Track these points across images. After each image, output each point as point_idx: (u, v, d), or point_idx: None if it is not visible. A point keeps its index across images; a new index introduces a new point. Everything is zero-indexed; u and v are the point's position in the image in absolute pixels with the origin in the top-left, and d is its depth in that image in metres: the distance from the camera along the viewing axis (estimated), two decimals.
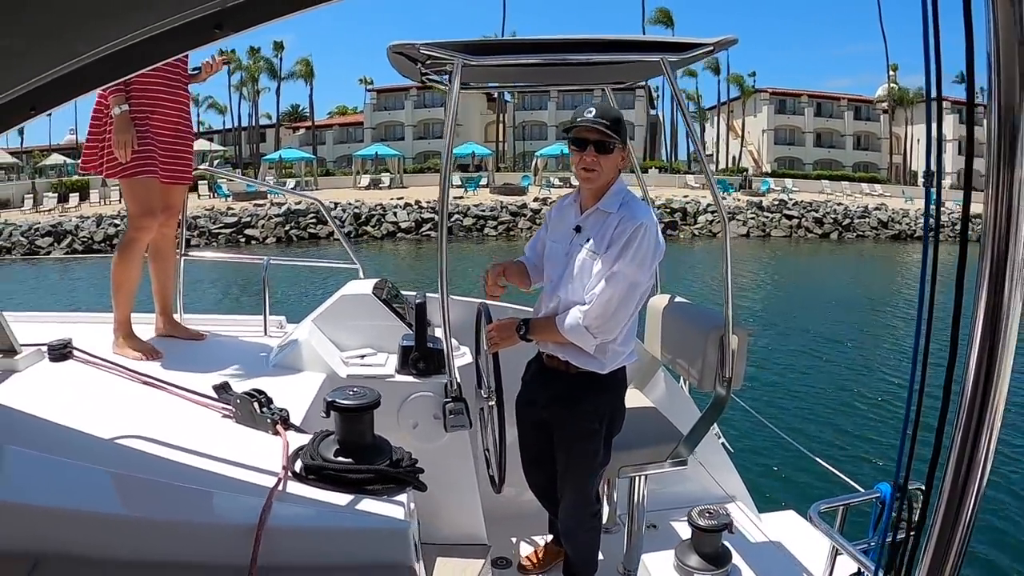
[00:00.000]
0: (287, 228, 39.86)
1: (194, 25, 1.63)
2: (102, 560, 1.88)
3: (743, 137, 78.63)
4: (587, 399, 3.46)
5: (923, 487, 1.45)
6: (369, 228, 41.59)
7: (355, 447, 2.14)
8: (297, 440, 2.36)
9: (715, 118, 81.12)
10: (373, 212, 42.85)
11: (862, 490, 2.93)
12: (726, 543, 2.84)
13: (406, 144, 73.07)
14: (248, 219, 40.07)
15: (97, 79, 1.87)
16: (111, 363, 3.35)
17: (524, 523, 4.58)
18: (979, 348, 1.23)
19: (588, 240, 3.39)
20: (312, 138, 77.12)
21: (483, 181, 53.46)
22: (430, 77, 4.03)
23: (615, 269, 3.24)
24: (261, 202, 43.06)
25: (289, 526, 1.92)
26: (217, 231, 38.50)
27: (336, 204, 42.05)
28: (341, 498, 2.03)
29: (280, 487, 2.02)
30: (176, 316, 4.51)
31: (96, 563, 1.88)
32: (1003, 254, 1.21)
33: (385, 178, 57.52)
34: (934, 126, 1.41)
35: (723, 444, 4.99)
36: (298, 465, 2.15)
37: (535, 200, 45.89)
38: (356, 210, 42.35)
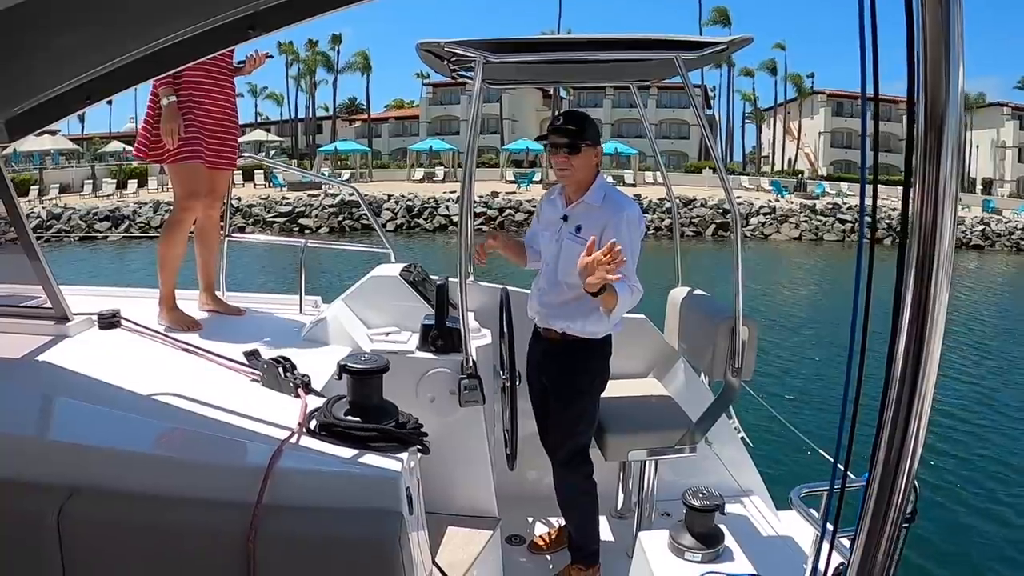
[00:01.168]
0: (340, 219, 40.36)
1: (229, 27, 1.79)
2: (129, 494, 2.09)
3: (799, 139, 77.80)
4: (579, 363, 3.87)
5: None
6: (421, 221, 41.93)
7: (363, 408, 2.32)
8: (316, 403, 2.52)
9: (772, 119, 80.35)
10: (426, 205, 43.19)
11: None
12: (721, 525, 2.96)
13: (461, 138, 72.78)
14: (302, 209, 40.66)
15: (144, 74, 2.05)
16: (154, 331, 3.60)
17: (541, 505, 4.74)
18: (906, 335, 1.31)
19: (577, 228, 3.81)
20: (368, 131, 77.64)
21: (536, 177, 53.49)
22: (460, 73, 4.21)
23: (631, 259, 3.57)
24: (316, 192, 43.52)
25: (294, 471, 2.10)
26: (272, 220, 39.15)
27: (389, 196, 42.44)
28: (346, 452, 2.20)
29: (293, 440, 2.21)
30: (218, 293, 4.75)
31: (123, 496, 2.08)
32: (930, 245, 1.28)
33: (439, 171, 57.65)
34: (869, 124, 1.50)
35: (743, 438, 5.09)
36: (312, 423, 2.33)
37: None
38: (409, 203, 42.69)
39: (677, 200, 5.47)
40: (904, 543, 2.23)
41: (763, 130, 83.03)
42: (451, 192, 45.36)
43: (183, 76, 4.17)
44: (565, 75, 4.89)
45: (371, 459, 2.20)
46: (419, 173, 56.70)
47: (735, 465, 4.93)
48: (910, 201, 1.31)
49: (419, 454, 2.39)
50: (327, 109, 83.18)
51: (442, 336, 3.81)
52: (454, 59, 3.90)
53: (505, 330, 4.07)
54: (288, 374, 2.91)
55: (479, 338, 4.02)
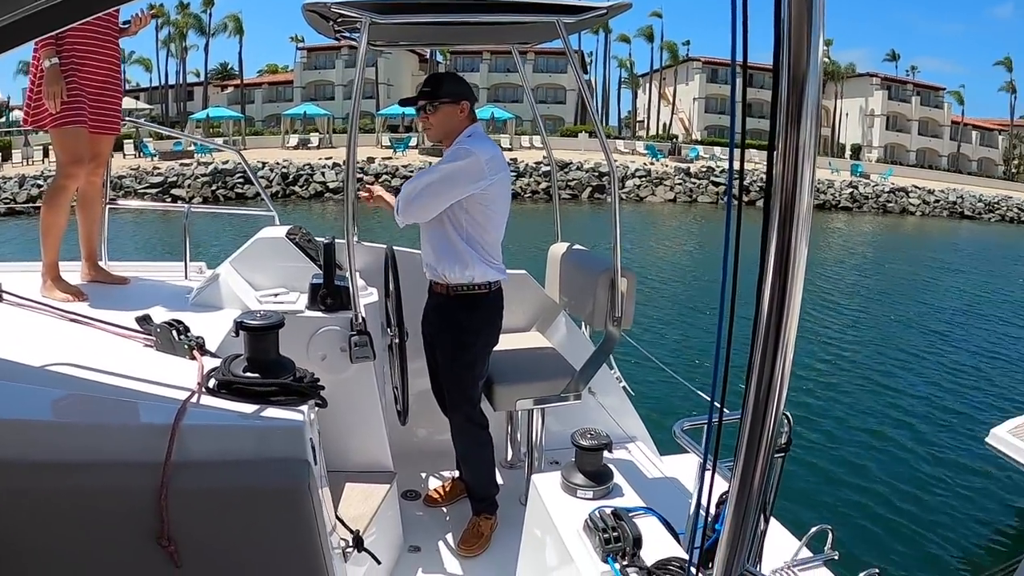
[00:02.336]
0: (214, 188, 39.23)
1: None
2: (32, 463, 2.03)
3: (674, 104, 79.33)
4: (463, 315, 3.99)
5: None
6: (297, 188, 41.23)
7: (261, 364, 2.35)
8: (212, 363, 2.54)
9: (647, 85, 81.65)
10: (301, 172, 42.46)
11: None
12: (610, 465, 3.09)
13: (336, 104, 71.90)
14: (174, 179, 39.38)
15: (27, 33, 1.86)
16: (40, 303, 3.48)
17: (434, 460, 4.89)
18: (771, 285, 1.39)
19: None
20: (241, 97, 75.74)
21: (413, 142, 53.11)
22: (344, 34, 4.21)
23: (426, 174, 3.92)
24: (188, 161, 42.20)
25: (200, 427, 2.11)
26: (143, 191, 37.77)
27: (264, 164, 41.52)
28: (248, 408, 2.22)
29: (194, 399, 2.21)
30: (101, 263, 4.65)
31: (27, 465, 2.02)
32: (791, 203, 1.36)
33: (314, 138, 56.59)
34: (738, 91, 1.60)
35: (624, 387, 5.29)
36: (211, 383, 2.34)
37: None
38: (284, 170, 41.87)
39: (554, 161, 5.60)
40: (781, 471, 2.42)
41: (639, 95, 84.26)
42: (326, 159, 44.83)
43: (65, 37, 4.03)
44: (449, 37, 4.93)
45: (273, 412, 2.23)
46: (293, 140, 55.42)
47: (618, 413, 5.11)
48: (774, 163, 1.38)
49: (316, 408, 2.43)
50: (198, 75, 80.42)
51: (331, 295, 3.88)
52: (340, 20, 3.89)
53: (391, 287, 4.14)
54: (182, 336, 2.87)
55: (366, 296, 4.07)
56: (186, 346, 2.81)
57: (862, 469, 9.56)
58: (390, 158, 46.56)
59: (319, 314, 3.86)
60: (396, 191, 4.18)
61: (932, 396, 12.68)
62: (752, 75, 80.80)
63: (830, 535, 2.85)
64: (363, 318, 3.79)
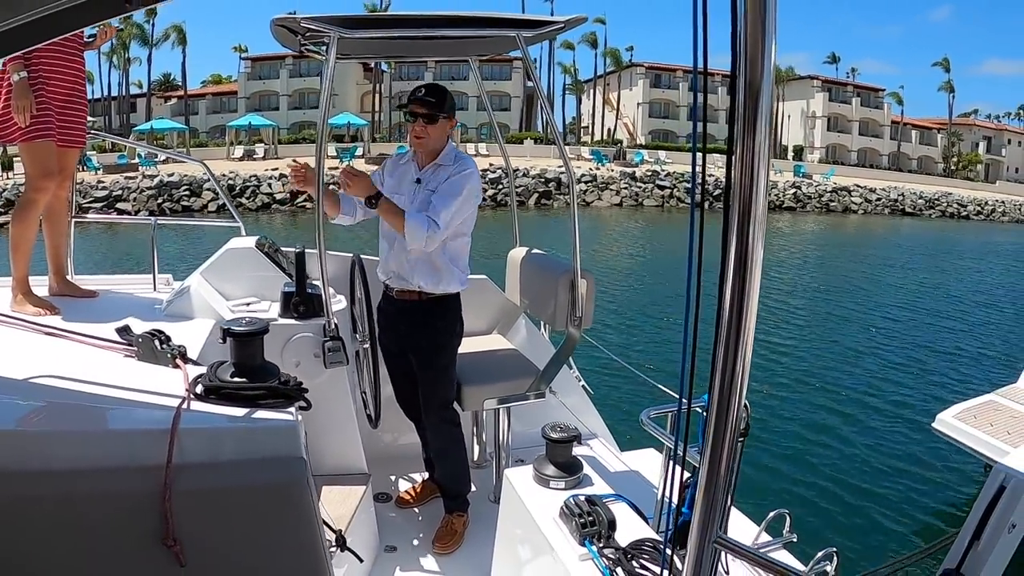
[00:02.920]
0: (160, 201, 38.64)
1: None
2: (31, 472, 2.05)
3: (618, 110, 79.86)
4: (436, 320, 4.12)
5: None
6: (243, 200, 40.69)
7: (248, 369, 2.43)
8: (195, 371, 2.59)
9: (591, 91, 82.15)
10: (248, 184, 42.02)
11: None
12: (579, 456, 3.24)
13: (281, 114, 71.65)
14: (119, 192, 38.78)
15: (8, 48, 1.96)
16: (14, 318, 3.48)
17: (403, 463, 5.01)
18: (731, 283, 1.47)
19: (428, 185, 4.05)
20: (185, 108, 74.48)
21: (358, 151, 52.92)
22: (309, 48, 4.32)
23: (454, 197, 3.94)
24: (132, 175, 41.50)
25: (196, 430, 2.17)
26: (87, 205, 37.10)
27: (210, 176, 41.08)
28: (238, 411, 2.30)
29: (185, 405, 2.26)
30: (68, 277, 4.65)
31: (26, 475, 2.04)
32: (748, 206, 1.43)
33: (259, 149, 56.13)
34: (700, 97, 1.69)
35: (583, 386, 5.45)
36: (198, 388, 2.40)
37: None
38: (230, 182, 41.36)
39: (511, 169, 5.76)
40: (741, 454, 2.58)
41: (583, 101, 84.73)
42: (272, 170, 44.32)
43: (32, 51, 4.01)
44: (412, 50, 5.04)
45: (264, 414, 2.31)
46: (239, 151, 54.90)
47: (579, 411, 5.24)
48: (733, 168, 1.45)
49: (302, 410, 2.50)
50: (140, 86, 79.43)
51: (304, 302, 3.98)
52: (307, 34, 4.00)
53: (359, 294, 4.25)
54: (164, 346, 2.93)
55: (336, 303, 4.19)
56: (169, 355, 2.87)
57: (816, 456, 9.93)
58: (336, 167, 46.15)
59: (292, 321, 3.97)
60: (334, 192, 4.41)
61: (879, 386, 13.14)
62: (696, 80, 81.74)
63: (788, 519, 3.02)
64: (336, 324, 3.90)
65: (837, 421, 11.22)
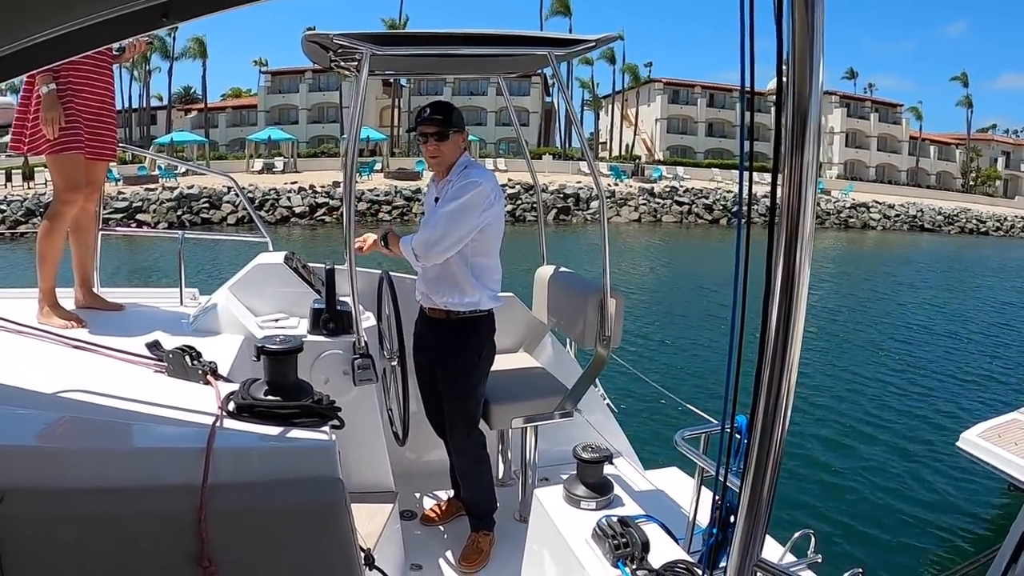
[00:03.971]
0: (179, 213, 38.83)
1: (142, 13, 1.69)
2: (67, 489, 2.03)
3: (636, 125, 79.89)
4: (465, 338, 4.11)
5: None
6: (263, 213, 40.77)
7: (282, 387, 2.42)
8: (227, 388, 2.60)
9: (609, 106, 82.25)
10: (267, 197, 42.18)
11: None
12: (609, 476, 3.24)
13: (300, 128, 71.87)
14: (139, 204, 38.98)
15: (44, 60, 1.92)
16: (39, 330, 3.49)
17: (428, 481, 5.00)
18: (778, 304, 1.46)
19: (440, 202, 4.06)
20: (204, 121, 74.90)
21: (377, 166, 53.04)
22: (339, 64, 4.34)
23: (442, 210, 3.92)
24: (152, 187, 41.69)
25: (231, 449, 2.16)
26: (107, 216, 37.34)
27: (229, 189, 41.20)
28: (272, 430, 2.29)
29: (219, 424, 2.25)
30: (94, 289, 4.64)
31: (62, 492, 2.03)
32: (795, 226, 1.42)
33: (279, 162, 56.20)
34: (747, 116, 1.62)
35: (608, 404, 5.44)
36: (231, 406, 2.39)
37: (429, 184, 45.58)
38: (250, 195, 41.52)
39: (539, 186, 5.76)
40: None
41: (601, 117, 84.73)
42: (291, 183, 44.65)
43: (62, 63, 3.98)
44: (443, 67, 5.08)
45: (299, 433, 2.30)
46: (258, 164, 55.03)
47: (604, 429, 5.22)
48: (781, 187, 1.45)
49: (335, 429, 2.48)
50: (161, 99, 79.62)
51: (333, 319, 3.97)
52: (339, 51, 4.02)
53: (386, 311, 4.26)
54: (195, 361, 2.93)
55: (364, 320, 4.17)
56: (200, 371, 2.88)
57: (837, 476, 9.86)
58: (356, 182, 46.46)
59: (322, 338, 3.96)
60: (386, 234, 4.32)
61: (901, 405, 13.05)
62: (712, 95, 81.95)
63: (813, 539, 3.02)
64: (365, 342, 3.90)
65: (859, 441, 11.14)
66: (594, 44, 4.12)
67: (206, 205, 39.51)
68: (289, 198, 42.08)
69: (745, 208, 1.68)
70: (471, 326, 4.12)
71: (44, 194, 38.44)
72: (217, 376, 2.87)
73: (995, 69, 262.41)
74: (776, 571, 1.70)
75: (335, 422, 2.46)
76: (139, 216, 38.04)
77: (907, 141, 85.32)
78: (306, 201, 41.84)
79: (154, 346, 3.21)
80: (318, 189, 43.25)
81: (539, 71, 4.73)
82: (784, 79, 1.43)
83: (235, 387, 2.56)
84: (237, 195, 40.33)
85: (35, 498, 2.00)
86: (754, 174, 1.69)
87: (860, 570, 2.48)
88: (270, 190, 43.13)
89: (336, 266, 4.13)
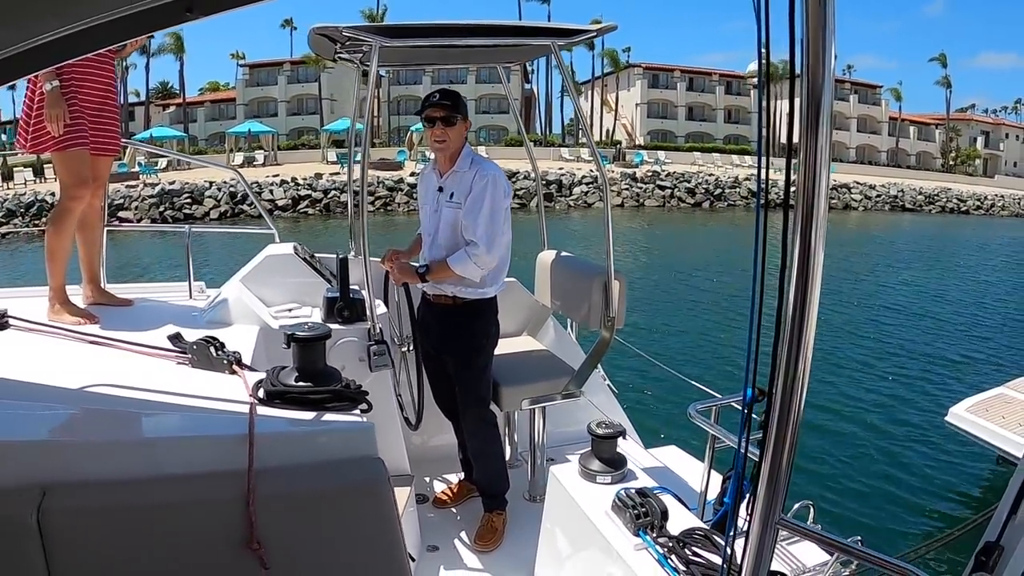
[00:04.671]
0: (161, 209, 38.60)
1: (166, 7, 1.68)
2: (108, 482, 2.07)
3: (616, 111, 79.98)
4: (473, 322, 4.20)
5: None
6: (246, 207, 40.56)
7: (312, 373, 2.49)
8: (253, 377, 2.65)
9: (589, 92, 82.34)
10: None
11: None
12: (621, 451, 3.34)
13: (279, 120, 71.70)
14: (120, 201, 38.62)
15: (64, 54, 1.90)
16: (54, 327, 3.50)
17: (437, 465, 5.11)
18: (795, 283, 1.53)
19: (451, 196, 4.12)
20: (183, 115, 74.39)
21: (358, 157, 52.73)
22: (343, 56, 4.42)
23: (480, 215, 3.98)
24: (134, 183, 41.29)
25: (271, 435, 2.20)
26: None
27: (211, 183, 41.05)
28: (307, 415, 2.36)
29: (254, 410, 2.28)
30: (102, 285, 4.63)
31: (106, 484, 2.06)
32: (810, 208, 1.48)
33: (259, 155, 55.99)
34: (763, 102, 1.73)
35: (608, 385, 5.57)
36: (261, 393, 2.44)
37: (411, 175, 45.44)
38: (232, 189, 41.03)
39: (539, 173, 5.87)
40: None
41: (581, 103, 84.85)
42: (273, 176, 44.37)
43: None
44: (447, 58, 5.16)
45: (334, 417, 2.37)
46: (238, 158, 54.53)
47: (606, 410, 5.29)
48: (796, 169, 1.50)
49: (364, 413, 2.54)
50: (138, 95, 79.10)
51: (347, 307, 4.06)
52: (347, 43, 4.11)
53: (397, 299, 4.36)
54: (220, 352, 2.97)
55: (377, 308, 4.26)
56: (225, 361, 2.92)
57: (835, 451, 10.09)
58: (337, 173, 46.17)
59: (336, 326, 4.04)
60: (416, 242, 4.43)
61: (891, 382, 13.32)
62: (692, 79, 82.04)
63: (811, 510, 3.14)
64: (380, 328, 4.00)
65: (851, 418, 11.36)
66: (595, 33, 4.25)
67: (188, 200, 39.29)
68: (272, 191, 41.80)
69: (763, 192, 1.71)
70: (476, 310, 4.20)
71: (24, 194, 38.28)
72: (242, 365, 2.92)
73: (973, 48, 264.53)
74: (798, 527, 1.80)
75: (363, 406, 2.52)
76: (121, 213, 37.70)
77: (887, 122, 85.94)
78: (288, 194, 41.59)
79: (176, 338, 3.26)
80: (300, 181, 42.98)
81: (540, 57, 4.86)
82: (795, 63, 1.46)
83: (262, 375, 2.60)
84: (219, 189, 40.25)
85: (78, 491, 2.04)
86: (768, 159, 1.71)
87: (859, 538, 2.59)
88: (252, 183, 42.81)
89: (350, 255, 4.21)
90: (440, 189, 4.19)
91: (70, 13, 1.65)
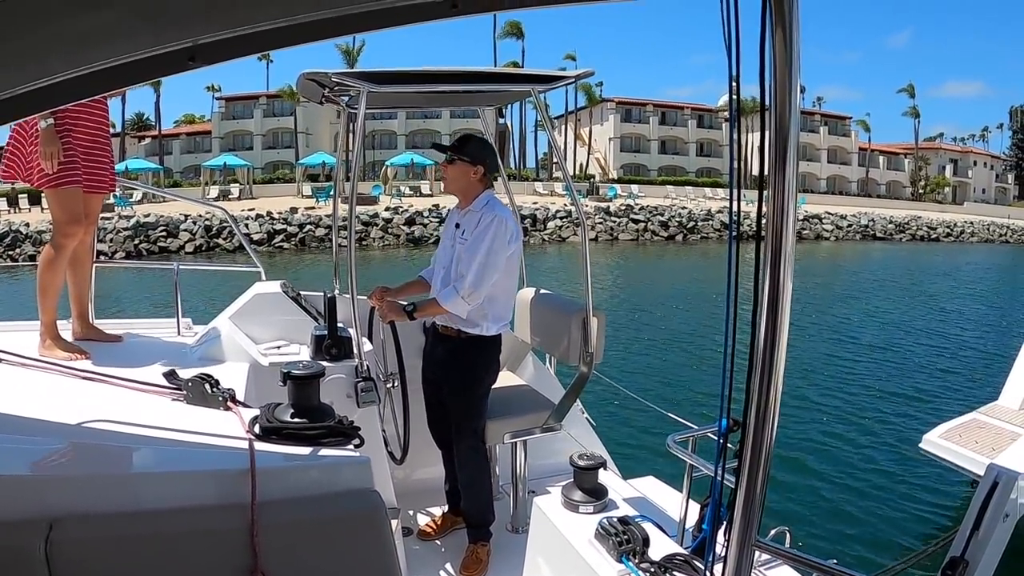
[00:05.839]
0: (136, 242, 38.47)
1: (169, 56, 1.72)
2: (114, 514, 2.09)
3: (590, 145, 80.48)
4: (473, 356, 4.39)
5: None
6: (221, 240, 40.47)
7: (307, 409, 2.56)
8: (248, 413, 2.72)
9: (563, 126, 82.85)
10: (224, 224, 41.73)
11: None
12: (601, 481, 3.45)
13: (255, 154, 71.77)
14: (96, 233, 38.31)
15: (65, 98, 1.93)
16: (46, 362, 3.52)
17: (419, 498, 5.21)
18: (766, 315, 1.62)
19: (463, 232, 4.37)
20: (159, 148, 74.53)
21: (332, 192, 52.71)
22: (330, 99, 4.56)
23: (477, 252, 4.20)
24: (108, 215, 40.85)
25: (272, 468, 2.26)
26: None
27: (186, 217, 40.92)
28: (303, 450, 2.42)
29: (255, 445, 2.34)
30: (91, 321, 4.66)
31: (109, 517, 2.08)
32: (779, 241, 1.57)
33: (235, 189, 56.04)
34: (735, 135, 1.77)
35: (587, 418, 5.69)
36: (257, 429, 2.51)
37: (386, 209, 45.76)
38: (207, 222, 41.03)
39: (515, 207, 6.02)
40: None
41: (555, 137, 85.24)
42: (248, 210, 44.29)
43: None
44: (430, 102, 5.30)
45: (329, 452, 2.44)
46: (214, 191, 54.46)
47: (585, 442, 5.43)
48: (766, 204, 1.59)
49: (356, 448, 2.59)
50: (114, 126, 78.46)
51: (335, 344, 4.16)
52: (335, 88, 4.25)
53: (382, 336, 4.46)
54: (215, 388, 3.03)
55: (363, 345, 4.35)
56: (220, 398, 2.98)
57: (811, 478, 10.23)
58: (313, 207, 46.19)
59: (325, 363, 4.11)
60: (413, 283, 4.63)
61: (865, 409, 13.53)
62: (664, 113, 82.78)
63: (788, 535, 3.27)
64: (367, 365, 4.10)
65: (828, 445, 11.51)
66: (573, 80, 4.42)
67: (163, 234, 39.15)
68: (247, 225, 41.66)
69: (736, 225, 1.80)
70: (480, 345, 4.39)
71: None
72: (236, 402, 2.99)
73: (940, 77, 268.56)
74: (775, 549, 1.91)
75: (356, 440, 2.59)
76: (96, 247, 37.31)
77: (856, 152, 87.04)
78: (264, 228, 41.50)
79: (171, 375, 3.29)
80: (275, 215, 42.96)
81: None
82: (768, 99, 1.56)
83: (256, 412, 2.67)
84: (194, 222, 40.10)
85: (85, 524, 2.05)
86: (740, 191, 1.78)
87: (835, 561, 2.70)
88: (227, 217, 42.55)
89: (337, 293, 4.31)
90: (457, 226, 4.44)
91: (75, 58, 1.69)
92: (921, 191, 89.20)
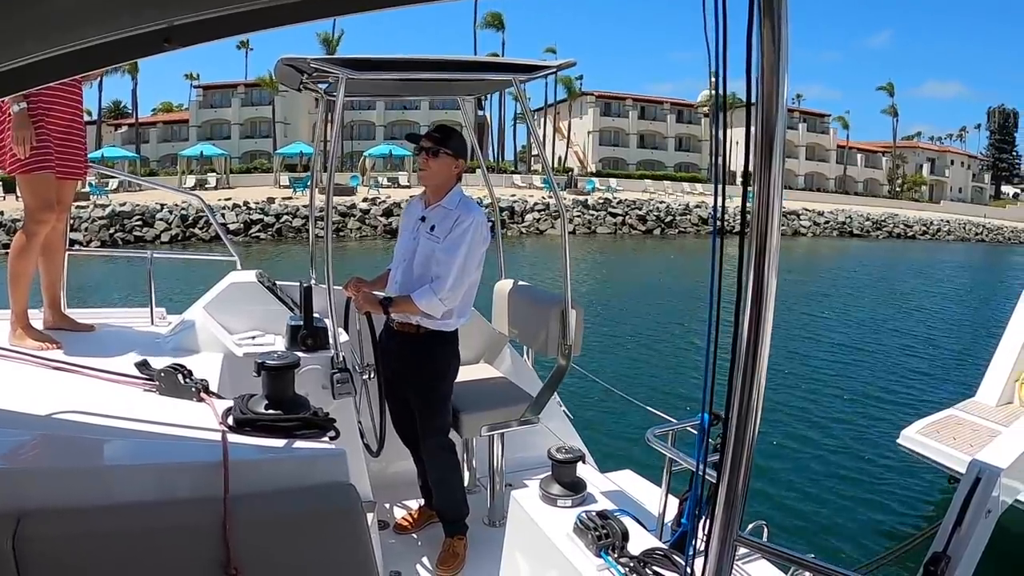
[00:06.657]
0: (111, 231, 38.01)
1: (144, 37, 1.68)
2: (83, 508, 2.04)
3: (569, 138, 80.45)
4: (436, 351, 4.32)
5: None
6: (197, 231, 40.10)
7: (281, 401, 2.52)
8: (222, 404, 2.66)
9: (543, 119, 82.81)
10: (201, 214, 41.35)
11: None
12: (580, 475, 3.42)
13: (232, 143, 71.14)
14: (71, 222, 37.91)
15: (39, 79, 1.90)
16: (16, 352, 3.45)
17: (396, 491, 5.16)
18: (749, 309, 1.59)
19: (431, 228, 4.26)
20: (136, 136, 73.93)
21: (310, 182, 52.50)
22: (307, 86, 4.49)
23: (456, 255, 4.11)
24: (83, 204, 40.38)
25: (244, 461, 2.21)
26: None
27: (163, 206, 40.53)
28: (277, 442, 2.38)
29: (228, 437, 2.30)
30: (63, 310, 4.59)
31: (78, 512, 2.04)
32: (764, 237, 1.54)
33: (211, 178, 55.66)
34: (720, 131, 1.80)
35: (564, 411, 5.66)
36: (231, 421, 2.46)
37: (364, 200, 45.51)
38: (183, 212, 40.61)
39: (496, 202, 5.97)
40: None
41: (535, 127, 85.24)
42: (225, 199, 43.98)
43: None
44: (411, 90, 5.27)
45: (305, 444, 2.40)
46: (190, 180, 53.95)
47: (562, 435, 5.40)
48: (751, 200, 1.56)
49: (331, 440, 2.56)
50: (90, 114, 77.62)
51: (311, 335, 4.11)
52: (314, 74, 4.19)
53: (358, 327, 4.42)
54: (187, 379, 2.99)
55: (339, 336, 4.30)
56: (193, 389, 2.93)
57: (789, 473, 10.28)
58: (290, 198, 45.92)
59: (300, 354, 4.05)
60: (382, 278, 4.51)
61: (843, 405, 13.64)
62: (644, 107, 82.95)
63: (765, 529, 3.26)
64: (343, 356, 4.05)
65: (805, 441, 11.57)
66: (555, 69, 4.37)
67: (139, 223, 38.78)
68: (223, 215, 41.29)
69: (720, 220, 1.79)
70: (439, 339, 4.30)
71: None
72: (210, 393, 2.93)
73: (918, 77, 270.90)
74: (757, 544, 1.89)
75: (332, 433, 2.55)
76: (71, 235, 36.89)
77: (835, 150, 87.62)
78: (240, 218, 41.15)
79: (143, 365, 3.27)
80: (252, 205, 42.63)
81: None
82: (753, 95, 1.54)
83: (229, 403, 2.62)
84: (170, 212, 39.77)
85: (53, 519, 2.01)
86: (722, 187, 1.78)
87: (812, 555, 2.70)
88: (203, 207, 42.21)
89: (314, 283, 4.26)
90: (423, 219, 4.32)
91: (48, 39, 1.65)
92: (899, 189, 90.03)
